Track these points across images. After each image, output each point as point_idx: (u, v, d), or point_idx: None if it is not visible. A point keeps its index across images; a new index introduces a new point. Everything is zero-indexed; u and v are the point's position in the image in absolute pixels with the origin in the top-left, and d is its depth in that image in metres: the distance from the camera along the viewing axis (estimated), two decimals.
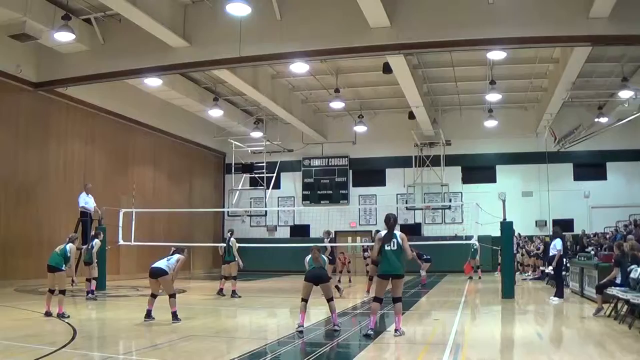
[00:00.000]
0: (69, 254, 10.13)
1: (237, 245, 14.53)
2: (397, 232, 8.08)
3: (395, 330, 7.96)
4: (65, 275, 10.11)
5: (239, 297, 13.68)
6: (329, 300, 8.51)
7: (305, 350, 7.35)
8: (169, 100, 22.03)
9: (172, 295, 9.30)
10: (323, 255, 8.87)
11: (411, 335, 8.54)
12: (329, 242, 14.85)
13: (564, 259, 14.14)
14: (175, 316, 9.18)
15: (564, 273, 14.18)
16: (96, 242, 13.68)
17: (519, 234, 22.42)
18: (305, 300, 8.30)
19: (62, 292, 9.90)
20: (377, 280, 8.16)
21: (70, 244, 10.31)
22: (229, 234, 15.11)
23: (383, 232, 8.11)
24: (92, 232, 14.27)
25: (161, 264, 9.47)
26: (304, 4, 14.81)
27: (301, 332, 8.07)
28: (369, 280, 14.97)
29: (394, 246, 7.94)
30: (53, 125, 17.97)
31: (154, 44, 15.19)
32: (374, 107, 25.45)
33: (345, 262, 20.16)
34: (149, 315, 9.32)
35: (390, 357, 6.91)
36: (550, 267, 13.57)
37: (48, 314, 9.64)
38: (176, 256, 9.70)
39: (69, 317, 9.49)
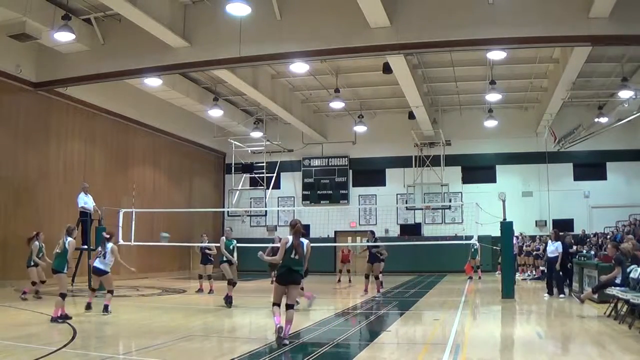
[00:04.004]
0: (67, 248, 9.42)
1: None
2: (305, 240, 7.62)
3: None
4: (65, 277, 9.61)
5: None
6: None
7: (305, 350, 7.35)
8: (169, 100, 22.01)
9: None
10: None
11: (411, 335, 8.56)
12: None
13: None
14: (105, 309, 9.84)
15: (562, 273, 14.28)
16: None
17: (520, 234, 22.38)
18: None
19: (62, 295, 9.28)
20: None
21: (70, 238, 9.55)
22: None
23: (290, 238, 7.54)
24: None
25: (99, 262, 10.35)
26: (304, 4, 14.81)
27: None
28: (365, 279, 15.02)
29: (295, 255, 7.48)
30: (53, 125, 17.98)
31: (154, 44, 15.20)
32: (374, 107, 25.44)
33: (345, 261, 20.22)
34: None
35: (390, 357, 6.90)
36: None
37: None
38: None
39: (62, 322, 8.99)
